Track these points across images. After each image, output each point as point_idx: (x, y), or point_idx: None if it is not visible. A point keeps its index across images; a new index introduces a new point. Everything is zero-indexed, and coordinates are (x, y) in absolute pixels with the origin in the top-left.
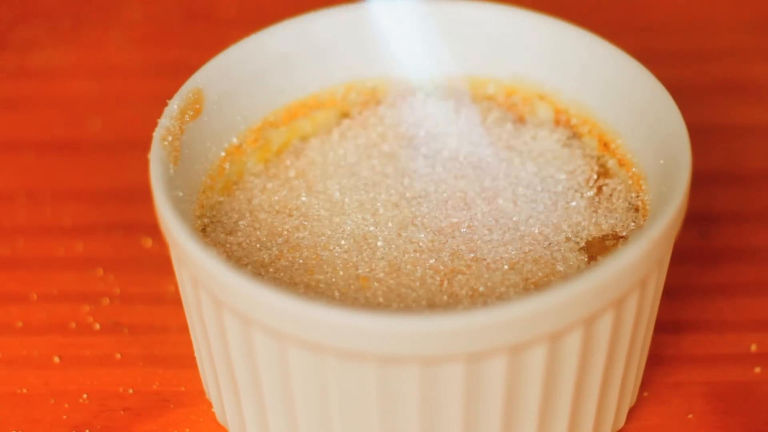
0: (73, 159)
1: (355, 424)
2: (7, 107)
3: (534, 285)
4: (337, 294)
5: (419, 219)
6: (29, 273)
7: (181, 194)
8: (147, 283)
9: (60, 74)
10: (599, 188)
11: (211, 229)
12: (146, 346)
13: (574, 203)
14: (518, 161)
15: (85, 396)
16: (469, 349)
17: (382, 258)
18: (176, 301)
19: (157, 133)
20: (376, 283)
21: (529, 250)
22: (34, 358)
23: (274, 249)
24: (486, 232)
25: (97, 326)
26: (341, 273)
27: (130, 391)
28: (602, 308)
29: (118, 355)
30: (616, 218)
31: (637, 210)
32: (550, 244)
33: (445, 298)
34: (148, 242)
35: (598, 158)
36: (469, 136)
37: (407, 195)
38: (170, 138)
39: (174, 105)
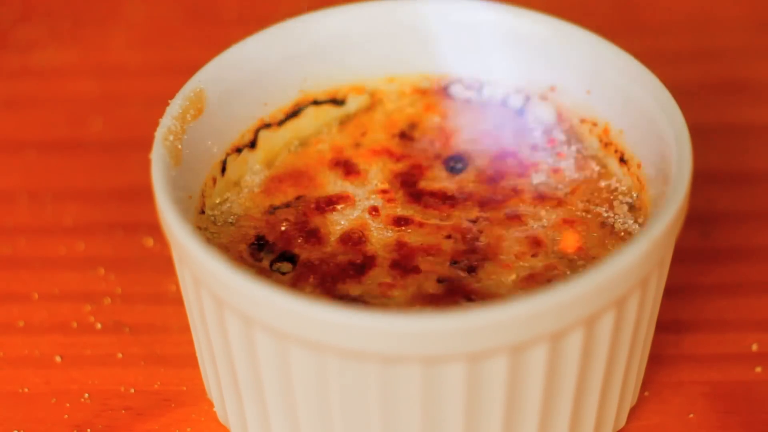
0: (74, 159)
1: (356, 423)
2: (9, 107)
3: (535, 284)
4: (340, 293)
5: (422, 218)
6: (30, 272)
7: (182, 194)
8: (148, 283)
9: (61, 74)
10: (600, 188)
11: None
12: (147, 346)
13: (574, 203)
14: (519, 161)
15: (86, 395)
16: (470, 348)
17: (385, 256)
18: (178, 301)
19: (159, 133)
20: (379, 282)
21: (531, 250)
22: (35, 357)
23: (276, 249)
24: (487, 230)
25: (99, 326)
26: (345, 272)
27: (132, 390)
28: (603, 308)
29: (120, 355)
30: (617, 218)
31: (638, 209)
32: (551, 243)
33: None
34: (150, 242)
35: (599, 158)
36: (470, 136)
37: (409, 194)
38: (172, 138)
39: (176, 104)
